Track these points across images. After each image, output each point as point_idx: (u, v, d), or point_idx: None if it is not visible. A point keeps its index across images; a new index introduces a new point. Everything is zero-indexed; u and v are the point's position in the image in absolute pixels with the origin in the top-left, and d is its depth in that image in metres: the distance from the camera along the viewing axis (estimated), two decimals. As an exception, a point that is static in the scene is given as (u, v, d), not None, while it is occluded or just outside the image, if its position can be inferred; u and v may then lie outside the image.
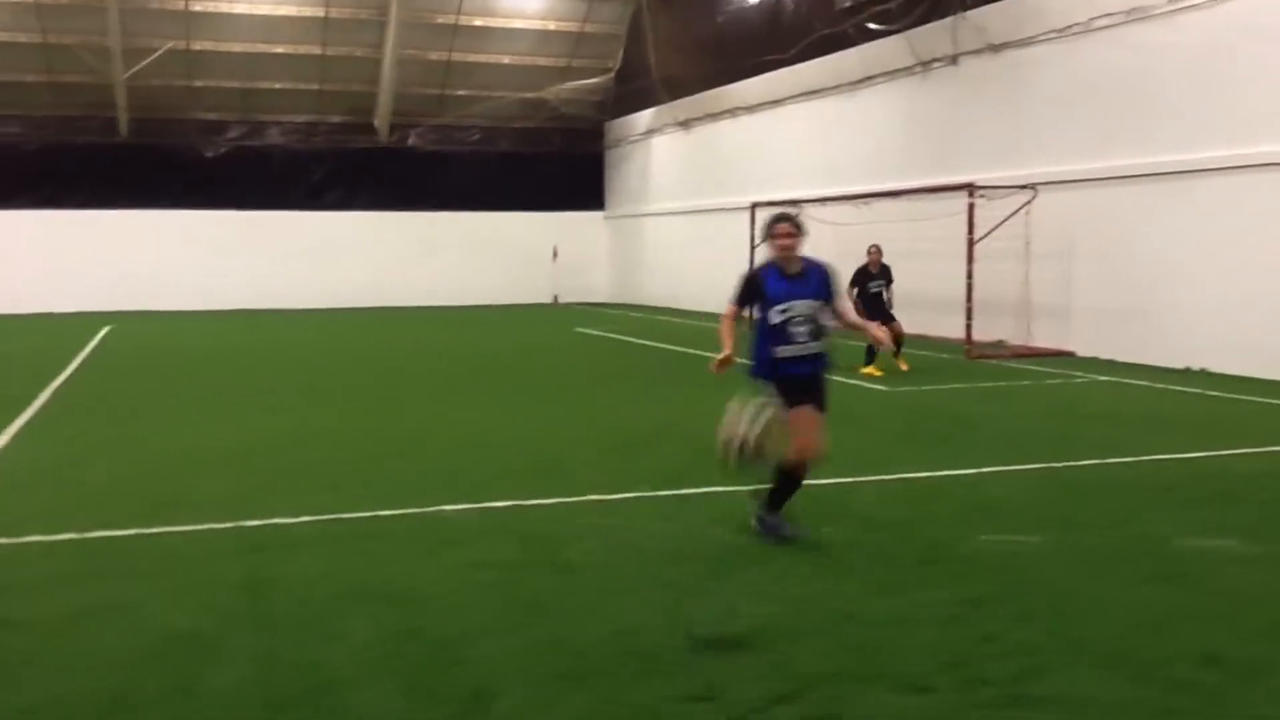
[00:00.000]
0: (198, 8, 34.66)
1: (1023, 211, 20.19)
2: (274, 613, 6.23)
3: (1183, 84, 18.03)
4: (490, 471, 10.16)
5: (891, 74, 25.09)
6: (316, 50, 36.54)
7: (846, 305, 7.35)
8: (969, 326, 20.14)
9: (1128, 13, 18.90)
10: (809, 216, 26.45)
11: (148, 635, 5.88)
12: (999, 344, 20.53)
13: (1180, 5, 18.02)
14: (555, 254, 39.44)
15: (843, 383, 16.39)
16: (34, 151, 35.55)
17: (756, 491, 7.84)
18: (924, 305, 23.43)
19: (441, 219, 39.10)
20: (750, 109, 31.15)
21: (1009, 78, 21.75)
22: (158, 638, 5.84)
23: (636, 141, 38.80)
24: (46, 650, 5.69)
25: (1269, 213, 16.63)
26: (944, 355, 20.17)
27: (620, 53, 39.18)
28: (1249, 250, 16.91)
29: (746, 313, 7.87)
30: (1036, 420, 13.11)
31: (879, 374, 17.15)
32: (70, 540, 7.81)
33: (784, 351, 7.65)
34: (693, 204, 34.62)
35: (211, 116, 37.61)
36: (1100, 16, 19.45)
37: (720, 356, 7.98)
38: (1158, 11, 18.42)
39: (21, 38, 33.83)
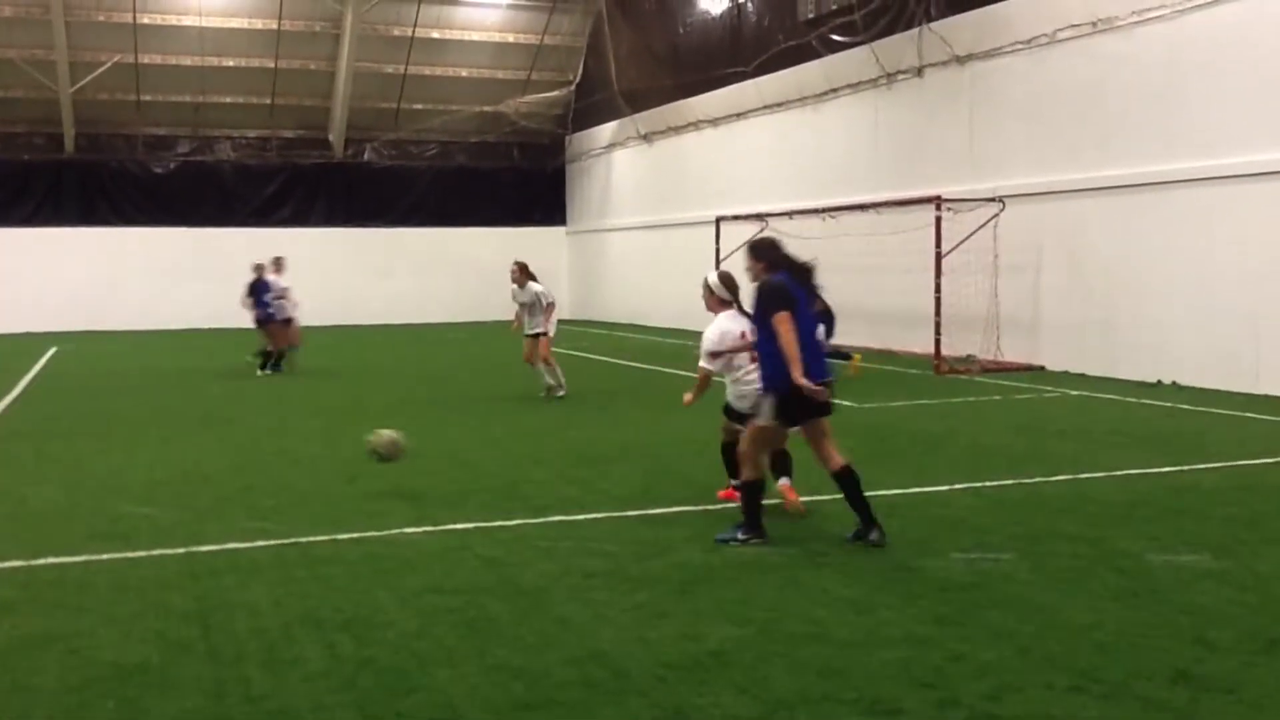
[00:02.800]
0: (145, 20, 34.49)
1: (990, 224, 20.34)
2: (225, 641, 6.17)
3: (1149, 95, 18.24)
4: (450, 492, 10.11)
5: (856, 86, 25.25)
6: (269, 63, 36.43)
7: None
8: (937, 341, 20.25)
9: (1093, 25, 19.12)
10: (773, 230, 26.60)
11: (95, 666, 5.81)
12: (968, 359, 20.64)
13: (1145, 17, 18.24)
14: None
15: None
16: (-23, 168, 35.30)
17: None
18: (891, 320, 23.56)
19: (398, 235, 39.02)
20: (713, 122, 31.27)
21: (975, 89, 21.94)
22: (105, 668, 5.77)
23: (598, 155, 38.86)
24: (-12, 683, 5.62)
25: (1238, 224, 16.83)
26: (912, 371, 20.27)
27: (580, 65, 39.27)
28: (1218, 262, 17.10)
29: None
30: (1006, 436, 13.19)
31: None
32: (15, 568, 7.72)
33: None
34: (655, 219, 34.70)
35: (160, 131, 37.44)
36: (1065, 28, 19.65)
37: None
38: (1122, 23, 18.64)
39: (-37, 52, 33.61)
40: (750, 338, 8.81)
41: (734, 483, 9.10)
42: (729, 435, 9.34)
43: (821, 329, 8.80)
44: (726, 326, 9.24)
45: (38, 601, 6.96)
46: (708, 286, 9.74)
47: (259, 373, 20.91)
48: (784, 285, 8.15)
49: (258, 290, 21.35)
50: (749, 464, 8.21)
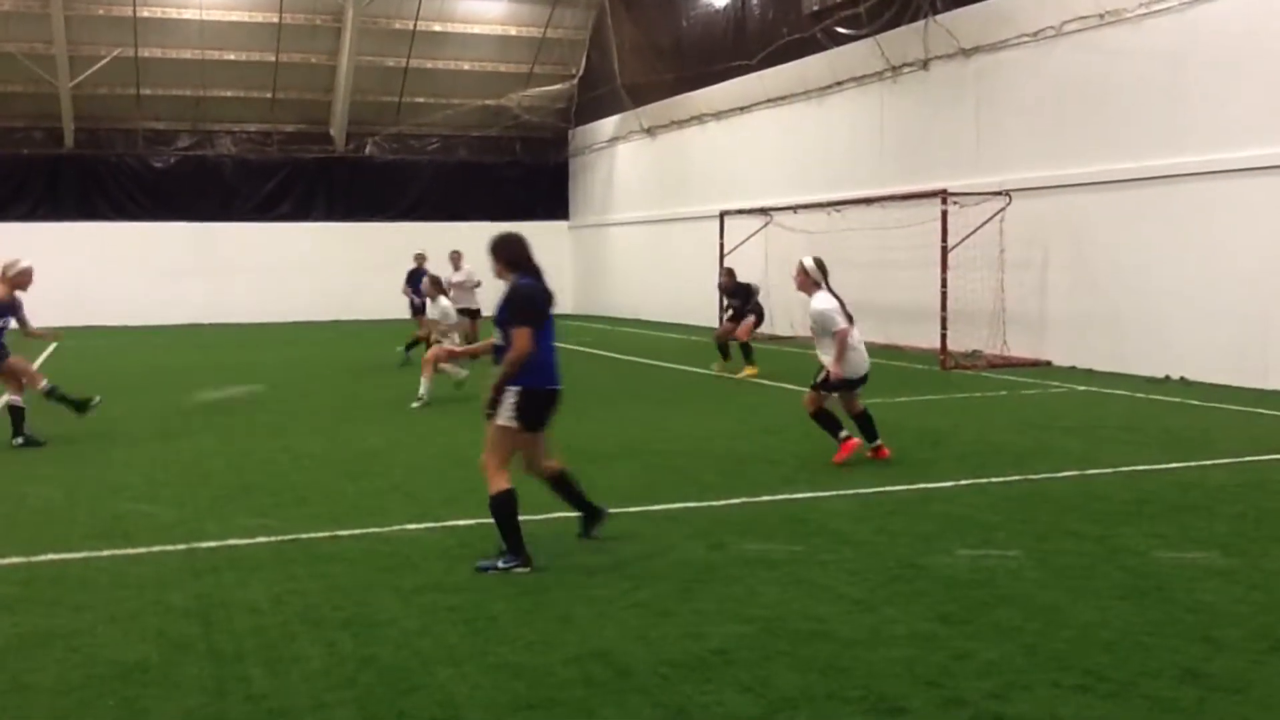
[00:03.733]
0: (145, 13, 34.48)
1: (996, 218, 20.31)
2: (226, 639, 6.18)
3: (1157, 88, 18.20)
4: (452, 489, 10.12)
5: (861, 79, 25.22)
6: (270, 57, 36.41)
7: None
8: (943, 336, 20.25)
9: (1100, 17, 19.08)
10: (779, 224, 26.63)
11: (95, 664, 5.82)
12: (974, 354, 20.63)
13: (1153, 9, 18.21)
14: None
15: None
16: (-25, 163, 35.34)
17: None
18: (896, 315, 23.54)
19: (400, 230, 38.91)
20: (717, 116, 31.24)
21: (981, 83, 21.91)
22: (105, 666, 5.78)
23: (601, 149, 38.84)
24: (-13, 681, 5.63)
25: (1247, 218, 16.80)
26: (918, 366, 20.26)
27: (583, 59, 39.25)
28: (1227, 256, 17.07)
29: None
30: (1012, 432, 13.18)
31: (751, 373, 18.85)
32: (14, 565, 7.73)
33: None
34: (659, 213, 34.68)
35: (160, 126, 37.42)
36: (1072, 20, 19.62)
37: None
38: (1130, 16, 18.60)
39: (-39, 46, 33.62)
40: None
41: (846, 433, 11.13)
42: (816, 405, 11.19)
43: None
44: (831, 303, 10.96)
45: (37, 599, 6.97)
46: (803, 269, 11.26)
47: (399, 350, 21.66)
48: (533, 294, 7.68)
49: (414, 279, 22.42)
50: (494, 474, 7.53)
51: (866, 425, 11.30)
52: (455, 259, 22.98)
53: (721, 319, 20.18)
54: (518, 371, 7.45)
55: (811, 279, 11.14)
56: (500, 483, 7.50)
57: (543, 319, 7.65)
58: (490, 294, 21.22)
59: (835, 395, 11.23)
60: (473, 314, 21.84)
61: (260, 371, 20.76)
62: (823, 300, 11.01)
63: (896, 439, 12.68)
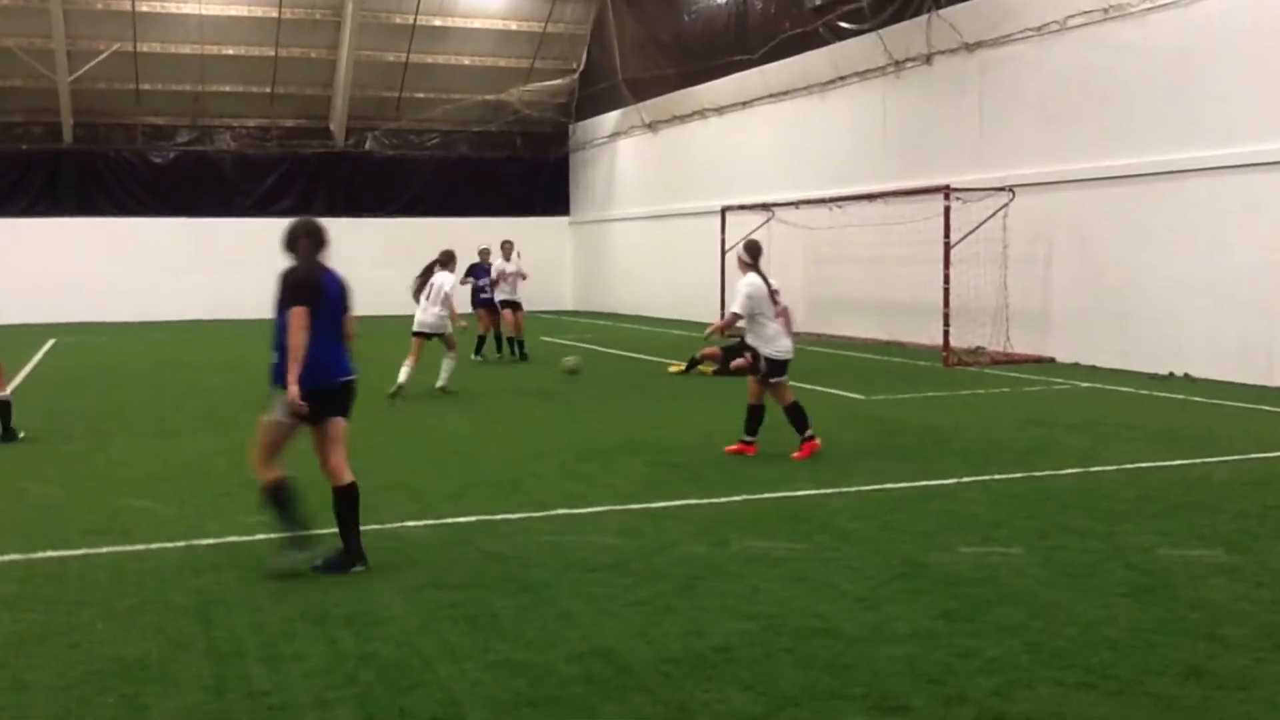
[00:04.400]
0: (144, 8, 34.45)
1: (1000, 214, 20.31)
2: (226, 637, 6.19)
3: (1162, 83, 18.19)
4: (452, 486, 10.13)
5: (864, 74, 25.21)
6: (269, 52, 36.39)
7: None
8: (946, 333, 20.24)
9: (1104, 11, 19.06)
10: (780, 220, 26.62)
11: (94, 661, 5.83)
12: (977, 351, 20.62)
13: (1158, 3, 18.19)
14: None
15: (817, 392, 16.45)
16: (-26, 158, 35.34)
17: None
18: (899, 311, 23.56)
19: (400, 225, 38.96)
20: (719, 110, 31.22)
21: (984, 77, 21.89)
22: (105, 663, 5.79)
23: (602, 144, 38.83)
24: (-14, 679, 5.64)
25: (1252, 214, 16.79)
26: (921, 363, 20.26)
27: (584, 53, 39.22)
28: (1232, 253, 17.06)
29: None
30: (1015, 429, 13.18)
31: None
32: (13, 561, 7.74)
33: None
34: (660, 209, 34.67)
35: (159, 121, 37.40)
36: (1076, 15, 19.61)
37: None
38: (1134, 10, 18.58)
39: (-40, 40, 33.61)
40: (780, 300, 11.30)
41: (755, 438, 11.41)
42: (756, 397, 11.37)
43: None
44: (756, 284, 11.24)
45: (37, 596, 6.98)
46: (737, 253, 11.73)
47: (472, 357, 21.58)
48: (312, 275, 7.62)
49: (475, 273, 22.39)
50: (261, 466, 7.42)
51: (797, 416, 11.44)
52: (506, 249, 22.95)
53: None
54: (294, 361, 7.23)
55: (743, 261, 11.52)
56: (266, 474, 7.38)
57: (320, 301, 7.50)
58: (532, 286, 21.38)
59: (772, 382, 11.32)
60: (514, 305, 22.23)
61: (260, 367, 20.74)
62: (744, 281, 11.33)
63: (899, 435, 12.71)
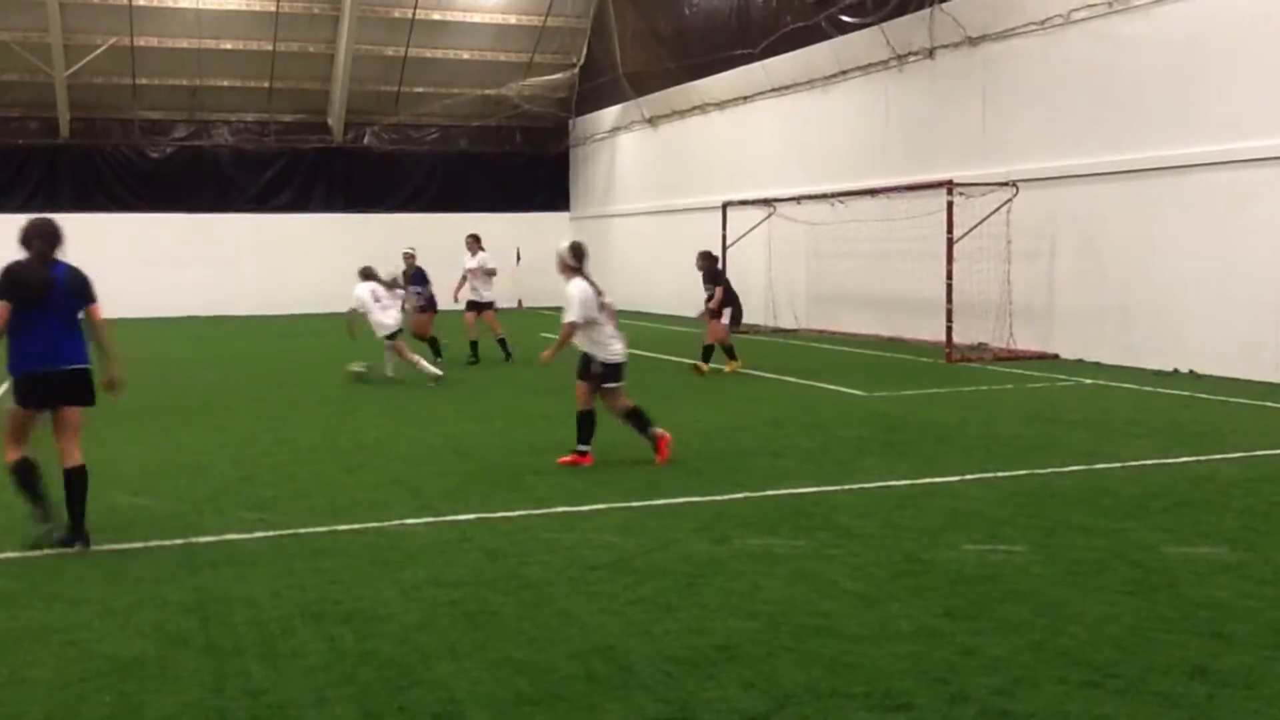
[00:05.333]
0: (141, 2, 34.39)
1: (1003, 209, 20.29)
2: (224, 634, 6.19)
3: (1166, 77, 18.17)
4: (452, 483, 10.13)
5: (866, 68, 25.18)
6: (267, 46, 36.37)
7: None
8: (949, 329, 20.22)
9: (1109, 4, 19.04)
10: (782, 216, 26.62)
11: (92, 659, 5.83)
12: (980, 347, 20.62)
13: (1162, -4, 18.20)
14: (518, 257, 39.37)
15: (818, 388, 16.47)
16: (-30, 153, 35.34)
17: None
18: (902, 307, 23.55)
19: (399, 221, 38.88)
20: (720, 105, 31.21)
21: (988, 71, 21.88)
22: (102, 661, 5.79)
23: (602, 139, 38.81)
24: (-17, 677, 5.64)
25: (1259, 209, 16.77)
26: (923, 359, 20.25)
27: (584, 47, 39.20)
28: (1238, 248, 17.04)
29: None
30: (1019, 426, 13.17)
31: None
32: (11, 559, 7.75)
33: None
34: (661, 204, 34.66)
35: (157, 116, 37.38)
36: (1081, 8, 19.58)
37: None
38: (1139, 3, 18.56)
39: (-45, 35, 33.61)
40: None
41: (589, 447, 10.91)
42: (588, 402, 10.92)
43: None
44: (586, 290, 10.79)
45: (34, 594, 6.98)
46: (559, 255, 11.09)
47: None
48: (18, 272, 8.11)
49: (414, 280, 21.43)
50: (7, 448, 8.11)
51: (642, 417, 11.09)
52: (471, 245, 22.21)
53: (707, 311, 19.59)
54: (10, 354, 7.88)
55: (568, 265, 10.95)
56: (12, 454, 8.02)
57: (21, 293, 7.99)
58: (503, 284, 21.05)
59: (608, 388, 10.97)
60: (480, 307, 21.41)
61: (258, 363, 20.76)
62: (574, 287, 10.81)
63: (902, 432, 12.70)
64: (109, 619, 6.47)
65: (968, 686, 5.33)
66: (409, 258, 21.73)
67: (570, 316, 10.80)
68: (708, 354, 18.92)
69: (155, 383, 18.33)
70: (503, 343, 21.16)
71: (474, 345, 21.09)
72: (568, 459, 10.93)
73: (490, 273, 21.66)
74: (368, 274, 18.85)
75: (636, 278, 36.24)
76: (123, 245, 35.88)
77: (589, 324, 10.87)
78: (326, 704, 5.22)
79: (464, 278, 21.75)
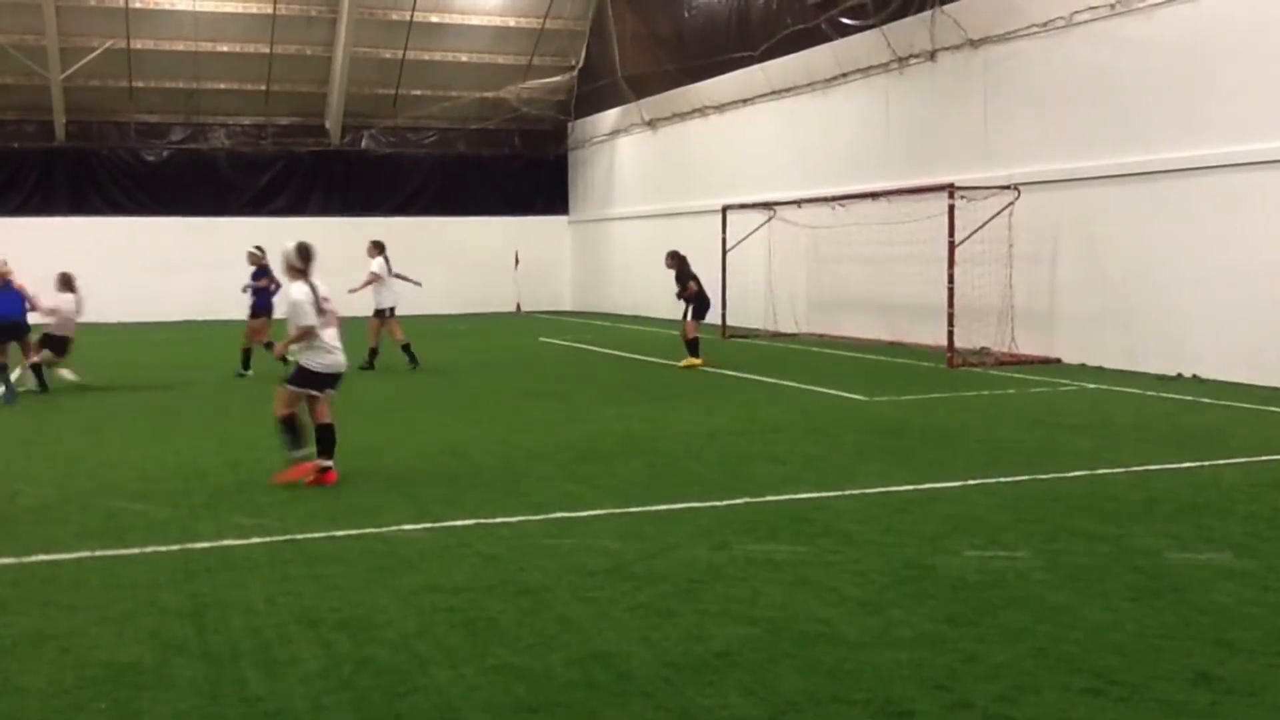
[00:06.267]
0: (138, 4, 34.45)
1: (1005, 213, 20.30)
2: (220, 641, 6.18)
3: (1170, 79, 18.18)
4: (449, 488, 10.13)
5: (867, 71, 25.21)
6: (264, 48, 36.39)
7: None
8: (950, 333, 20.22)
9: (1111, 6, 19.05)
10: (782, 219, 26.63)
11: (88, 665, 5.82)
12: (982, 351, 20.62)
13: (1165, -2, 18.21)
14: (517, 261, 39.41)
15: (819, 393, 16.46)
16: (-35, 157, 35.37)
17: None
18: (903, 311, 23.56)
19: (397, 224, 38.86)
20: (720, 108, 31.23)
21: (989, 74, 21.89)
22: (98, 668, 5.79)
23: (601, 142, 38.84)
24: (-23, 684, 5.64)
25: (1262, 212, 16.77)
26: (924, 364, 20.25)
27: (583, 50, 39.23)
28: (1242, 251, 17.04)
29: None
30: (1021, 431, 13.17)
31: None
32: (6, 565, 7.73)
33: None
34: (660, 207, 34.67)
35: (153, 119, 37.40)
36: (1083, 10, 19.59)
37: None
38: (1142, 5, 18.57)
39: (-49, 37, 33.62)
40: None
41: (303, 453, 10.56)
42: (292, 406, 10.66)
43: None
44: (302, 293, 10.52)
45: (29, 600, 6.98)
46: (283, 255, 10.88)
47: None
48: None
49: (254, 277, 20.82)
50: None
51: (324, 439, 10.55)
52: (371, 250, 21.53)
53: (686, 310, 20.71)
54: None
55: (293, 266, 10.69)
56: None
57: None
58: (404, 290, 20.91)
59: (313, 394, 10.63)
60: (380, 314, 20.84)
61: (255, 367, 20.73)
62: (297, 291, 10.52)
63: (903, 437, 12.70)
64: (105, 625, 6.46)
65: (969, 693, 5.33)
66: (254, 257, 21.22)
67: (300, 321, 10.40)
68: (696, 347, 20.44)
69: (152, 387, 18.35)
70: (405, 348, 20.61)
71: (372, 352, 20.61)
72: (284, 476, 10.45)
73: (371, 280, 21.06)
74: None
75: (635, 281, 36.28)
76: (119, 249, 35.93)
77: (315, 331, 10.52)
78: (323, 711, 5.22)
79: (367, 281, 21.13)
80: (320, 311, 10.50)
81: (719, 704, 5.24)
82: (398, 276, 21.28)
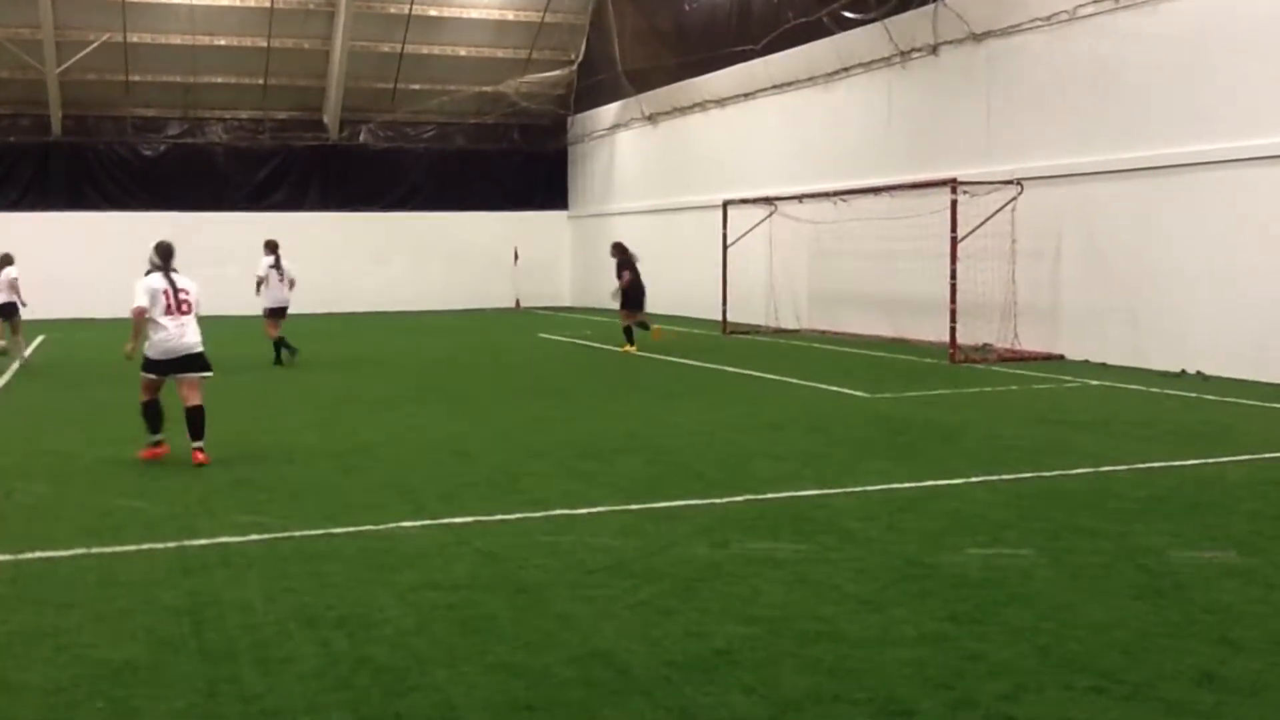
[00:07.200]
0: (134, -3, 34.47)
1: (1008, 208, 20.29)
2: (217, 639, 6.18)
3: (1175, 73, 18.16)
4: (448, 485, 10.13)
5: (869, 65, 25.18)
6: (261, 42, 36.38)
7: None
8: (953, 329, 20.21)
9: (1115, 0, 19.04)
10: (784, 214, 26.62)
11: (83, 663, 5.82)
12: (984, 348, 20.60)
13: (1170, -8, 18.19)
14: (516, 256, 39.42)
15: (820, 389, 16.46)
16: (-40, 151, 35.35)
17: None
18: (905, 307, 23.55)
19: (395, 220, 39.00)
20: (720, 102, 31.21)
21: (992, 68, 21.87)
22: (94, 666, 5.78)
23: (601, 137, 38.81)
24: (-27, 682, 5.64)
25: (1268, 208, 16.76)
26: (927, 360, 20.25)
27: (583, 44, 39.20)
28: (1247, 247, 17.04)
29: None
30: (1024, 428, 13.17)
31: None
32: (2, 562, 7.73)
33: None
34: (661, 203, 34.65)
35: (150, 113, 37.40)
36: (1087, 3, 19.58)
37: None
38: (1146, -2, 18.58)
39: (-54, 31, 33.60)
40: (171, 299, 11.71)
41: (158, 438, 11.63)
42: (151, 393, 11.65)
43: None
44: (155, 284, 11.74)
45: (25, 597, 6.97)
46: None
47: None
48: None
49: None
50: None
51: (192, 421, 11.48)
52: (268, 247, 21.63)
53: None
54: None
55: (152, 261, 12.15)
56: None
57: None
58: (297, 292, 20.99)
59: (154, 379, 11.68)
60: (270, 312, 21.13)
61: (251, 364, 20.75)
62: (144, 280, 11.83)
63: (905, 434, 12.70)
64: (101, 623, 6.46)
65: (972, 692, 5.33)
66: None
67: (138, 302, 11.57)
68: (630, 334, 22.86)
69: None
70: (277, 345, 20.87)
71: (275, 345, 20.91)
72: (144, 454, 11.57)
73: (259, 280, 21.35)
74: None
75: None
76: (115, 244, 35.79)
77: (151, 319, 11.59)
78: (321, 710, 5.21)
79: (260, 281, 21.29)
80: (166, 307, 11.68)
81: (719, 702, 5.24)
82: (273, 270, 21.28)
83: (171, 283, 11.78)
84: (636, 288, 23.41)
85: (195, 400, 11.55)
